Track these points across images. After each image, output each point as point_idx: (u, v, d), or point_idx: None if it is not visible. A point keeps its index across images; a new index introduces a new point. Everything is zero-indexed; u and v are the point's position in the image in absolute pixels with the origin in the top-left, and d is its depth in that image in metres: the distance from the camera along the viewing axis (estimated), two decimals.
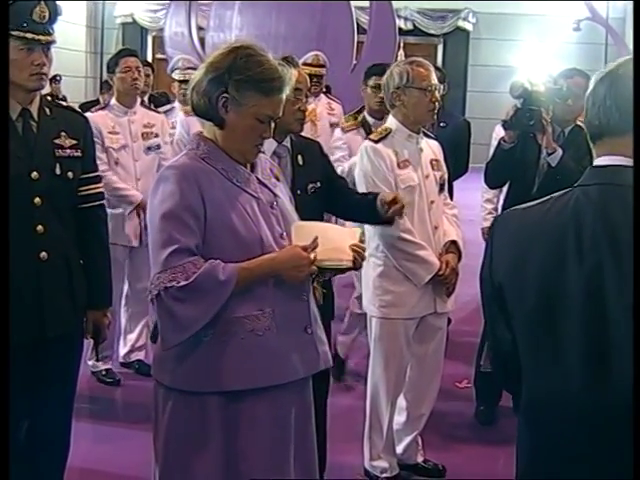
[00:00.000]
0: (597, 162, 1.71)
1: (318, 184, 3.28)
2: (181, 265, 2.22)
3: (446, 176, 3.74)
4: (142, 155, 4.96)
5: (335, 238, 2.44)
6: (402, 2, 12.49)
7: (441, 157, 3.74)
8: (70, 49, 13.07)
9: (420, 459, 3.87)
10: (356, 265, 2.46)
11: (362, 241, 2.51)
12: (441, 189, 3.67)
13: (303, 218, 2.56)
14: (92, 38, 14.28)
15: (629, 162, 1.66)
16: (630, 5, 12.45)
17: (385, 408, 3.67)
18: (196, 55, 9.22)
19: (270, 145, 3.20)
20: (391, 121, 3.62)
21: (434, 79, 3.54)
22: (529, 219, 1.74)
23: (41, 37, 2.75)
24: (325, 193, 3.30)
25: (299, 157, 3.28)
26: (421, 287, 3.56)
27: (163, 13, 11.58)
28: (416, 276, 3.54)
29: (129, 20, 14.13)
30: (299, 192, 3.18)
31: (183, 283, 2.21)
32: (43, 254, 2.79)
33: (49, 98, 3.08)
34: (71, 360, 3.00)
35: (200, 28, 10.93)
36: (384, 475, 3.73)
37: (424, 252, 3.52)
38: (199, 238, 2.27)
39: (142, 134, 4.97)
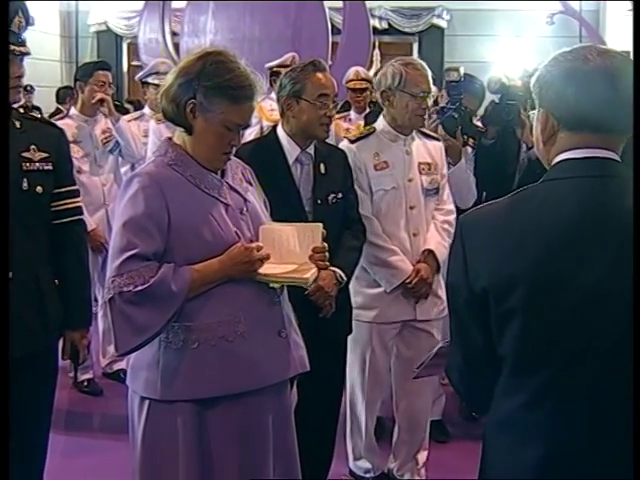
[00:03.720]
0: (572, 154, 1.65)
1: (340, 195, 3.22)
2: (137, 270, 2.21)
3: (442, 180, 3.61)
4: (104, 160, 4.99)
5: (296, 248, 2.44)
6: (376, 2, 12.50)
7: (439, 160, 3.60)
8: (45, 59, 12.95)
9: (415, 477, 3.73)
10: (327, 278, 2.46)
11: (325, 239, 2.49)
12: (430, 193, 3.54)
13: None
14: (67, 47, 14.17)
15: (608, 154, 1.63)
16: None
17: (362, 409, 3.60)
18: (171, 61, 9.16)
19: (293, 151, 3.18)
20: (380, 121, 3.55)
21: (428, 84, 3.43)
22: (507, 217, 1.66)
23: (21, 48, 2.69)
24: (345, 205, 3.25)
25: (321, 165, 3.21)
26: (395, 292, 3.47)
27: (137, 20, 11.47)
28: (384, 281, 3.47)
29: (103, 28, 14.01)
30: (319, 202, 3.16)
31: (140, 287, 2.20)
32: (10, 273, 2.63)
33: (21, 110, 2.99)
34: (44, 380, 2.86)
35: (174, 34, 10.86)
36: (368, 475, 3.70)
37: (394, 258, 3.43)
38: (160, 245, 2.26)
39: (102, 140, 4.99)
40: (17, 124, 2.77)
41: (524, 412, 1.61)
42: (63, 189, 2.89)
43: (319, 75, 3.13)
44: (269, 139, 3.27)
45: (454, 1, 13.09)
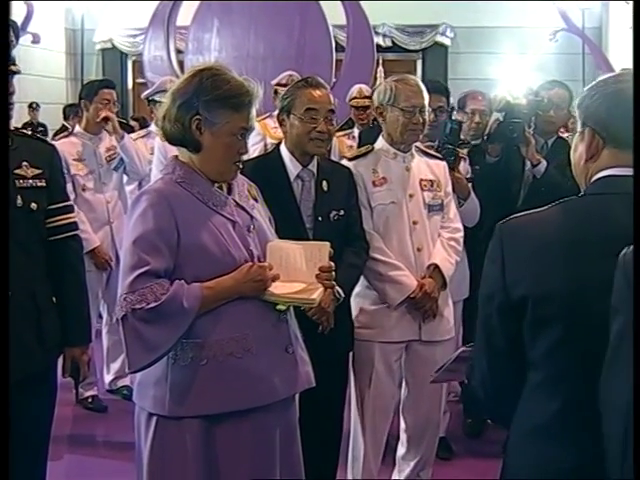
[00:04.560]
0: (614, 172, 1.72)
1: (342, 212, 3.23)
2: (149, 287, 2.22)
3: (447, 198, 3.58)
4: (109, 178, 4.99)
5: (302, 266, 2.45)
6: (380, 19, 12.55)
7: (442, 178, 3.58)
8: (50, 76, 13.03)
9: None
10: (325, 294, 2.49)
11: (331, 258, 2.51)
12: (433, 209, 3.50)
13: None
14: (72, 65, 14.25)
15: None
16: (605, 14, 12.54)
17: (361, 431, 3.52)
18: (176, 78, 9.19)
19: (294, 168, 3.20)
20: (379, 140, 3.55)
21: (420, 100, 3.41)
22: (551, 227, 1.71)
23: (12, 67, 2.69)
24: (347, 222, 3.26)
25: (324, 183, 3.23)
26: (399, 310, 3.41)
27: (142, 38, 11.54)
28: (387, 297, 3.41)
29: (108, 46, 14.10)
30: (320, 219, 3.17)
31: (153, 304, 2.20)
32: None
33: (15, 127, 2.95)
34: (43, 402, 2.81)
35: (179, 51, 10.92)
36: None
37: (396, 272, 3.39)
38: (170, 262, 2.27)
39: (106, 158, 4.98)
40: (8, 141, 2.71)
41: (558, 419, 1.64)
42: (57, 205, 2.87)
43: (309, 90, 3.16)
44: (272, 156, 3.31)
45: (458, 18, 13.14)
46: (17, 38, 2.76)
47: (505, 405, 1.76)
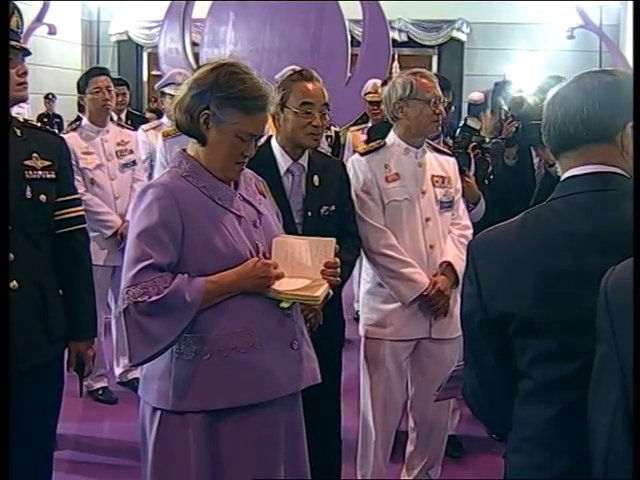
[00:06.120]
0: (574, 172, 1.70)
1: (333, 207, 3.19)
2: (152, 280, 2.21)
3: (457, 195, 3.56)
4: (118, 173, 4.91)
5: (308, 262, 2.43)
6: (397, 14, 12.52)
7: (453, 174, 3.56)
8: (66, 68, 13.07)
9: None
10: (331, 288, 2.49)
11: (337, 255, 2.49)
12: (445, 206, 3.49)
13: None
14: (88, 56, 14.31)
15: (610, 169, 1.67)
16: (624, 12, 12.46)
17: (372, 430, 3.51)
18: (191, 71, 9.20)
19: (285, 162, 3.17)
20: (390, 135, 3.52)
21: (438, 91, 3.42)
22: (516, 238, 1.69)
23: (22, 44, 2.67)
24: (339, 217, 3.23)
25: (315, 177, 3.19)
26: (410, 308, 3.38)
27: (158, 30, 11.57)
28: (400, 294, 3.39)
29: (124, 38, 14.15)
30: (310, 214, 3.13)
31: (155, 298, 2.20)
32: (14, 283, 2.56)
33: (21, 119, 2.88)
34: (49, 393, 2.78)
35: (194, 44, 10.96)
36: None
37: (409, 269, 3.36)
38: (174, 256, 2.26)
39: (116, 152, 4.90)
40: (18, 132, 2.70)
41: (551, 427, 1.63)
42: (66, 198, 2.83)
43: (304, 83, 3.11)
44: (263, 150, 3.24)
45: (474, 14, 13.10)
46: (22, 20, 2.73)
47: (498, 417, 1.76)
